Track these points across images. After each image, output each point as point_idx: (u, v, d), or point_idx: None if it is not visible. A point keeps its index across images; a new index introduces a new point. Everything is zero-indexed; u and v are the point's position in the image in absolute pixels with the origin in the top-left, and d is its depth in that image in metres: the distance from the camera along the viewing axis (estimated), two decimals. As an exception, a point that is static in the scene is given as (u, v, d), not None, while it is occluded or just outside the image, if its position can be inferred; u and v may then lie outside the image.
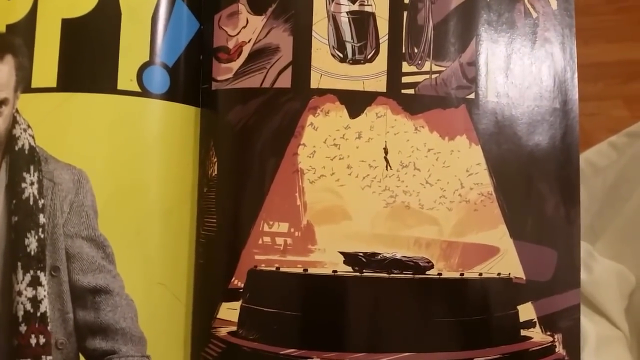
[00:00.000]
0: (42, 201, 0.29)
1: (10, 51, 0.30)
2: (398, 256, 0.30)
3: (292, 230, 0.30)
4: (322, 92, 0.30)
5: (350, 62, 0.31)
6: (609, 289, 0.42)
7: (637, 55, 1.08)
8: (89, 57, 0.30)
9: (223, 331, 0.30)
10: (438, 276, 0.30)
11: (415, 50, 0.31)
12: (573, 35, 0.33)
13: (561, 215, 0.31)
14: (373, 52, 0.31)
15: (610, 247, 0.45)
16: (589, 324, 0.39)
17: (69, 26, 0.30)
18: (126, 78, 0.30)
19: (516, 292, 0.31)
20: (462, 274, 0.30)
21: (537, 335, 0.31)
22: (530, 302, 0.31)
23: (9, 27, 0.30)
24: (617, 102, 1.05)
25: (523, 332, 0.31)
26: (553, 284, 0.31)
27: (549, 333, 0.31)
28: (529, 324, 0.31)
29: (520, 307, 0.31)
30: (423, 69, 0.31)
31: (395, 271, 0.30)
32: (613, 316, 0.41)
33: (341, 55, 0.31)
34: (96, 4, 0.30)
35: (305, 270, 0.29)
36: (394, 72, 0.30)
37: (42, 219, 0.29)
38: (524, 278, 0.31)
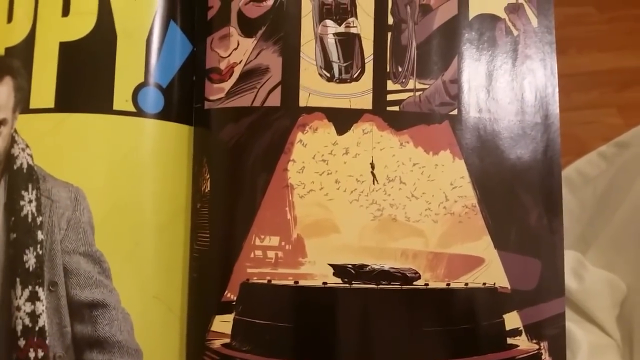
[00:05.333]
0: (40, 218, 0.29)
1: (9, 73, 0.31)
2: (386, 267, 0.31)
3: (283, 243, 0.30)
4: (310, 110, 0.31)
5: (337, 81, 0.32)
6: (601, 297, 0.42)
7: (630, 63, 1.09)
8: (85, 79, 0.30)
9: (217, 343, 0.30)
10: (425, 286, 0.31)
11: (400, 69, 0.32)
12: (553, 52, 0.34)
13: (544, 226, 0.32)
14: (359, 71, 0.32)
15: (601, 256, 0.45)
16: (581, 332, 0.40)
17: (66, 49, 0.30)
18: (122, 99, 0.30)
19: (501, 301, 0.31)
20: (448, 284, 0.31)
21: (523, 343, 0.32)
22: (515, 311, 0.31)
23: (8, 49, 0.31)
24: (611, 110, 1.06)
25: (509, 340, 0.31)
26: (538, 293, 0.32)
27: (534, 341, 0.32)
28: (515, 332, 0.31)
29: (505, 316, 0.31)
30: (407, 87, 0.32)
31: (383, 282, 0.31)
32: (605, 324, 0.42)
33: (328, 74, 0.32)
34: (92, 28, 0.31)
35: (296, 282, 0.30)
36: (379, 90, 0.32)
37: (40, 235, 0.29)
38: (509, 287, 0.31)
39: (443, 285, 0.31)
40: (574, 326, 0.40)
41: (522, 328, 0.31)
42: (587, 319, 0.42)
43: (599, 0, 1.13)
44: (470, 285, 0.31)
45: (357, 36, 0.32)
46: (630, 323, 0.42)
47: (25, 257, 0.29)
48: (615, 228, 0.46)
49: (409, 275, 0.31)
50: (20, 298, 0.29)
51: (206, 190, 0.31)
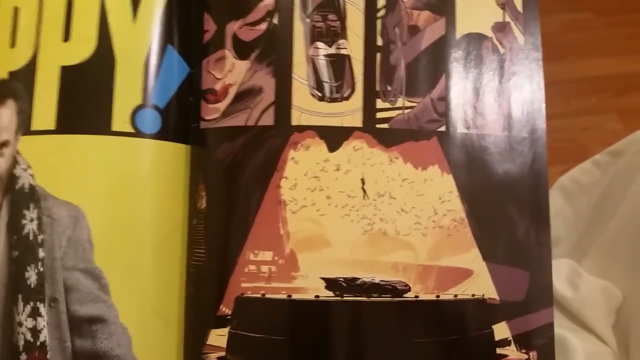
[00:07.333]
0: (42, 236, 0.30)
1: (12, 96, 0.32)
2: (377, 280, 0.31)
3: (276, 258, 0.31)
4: (302, 128, 0.32)
5: (329, 100, 0.32)
6: (596, 305, 0.43)
7: (628, 68, 1.09)
8: (85, 101, 0.31)
9: (213, 357, 0.31)
10: (415, 299, 0.31)
11: (389, 88, 0.33)
12: (540, 68, 0.35)
13: (532, 238, 0.33)
14: (349, 90, 0.33)
15: (597, 264, 0.46)
16: (577, 340, 0.40)
17: (67, 73, 0.31)
18: (120, 120, 0.31)
19: (490, 312, 0.32)
20: (438, 296, 0.32)
21: (512, 353, 0.32)
22: (504, 322, 0.32)
23: (11, 73, 0.32)
24: (611, 116, 1.06)
25: (499, 351, 0.32)
26: (526, 304, 0.32)
27: (524, 351, 0.32)
28: (504, 343, 0.32)
29: (495, 327, 0.32)
30: (396, 105, 0.33)
31: (374, 295, 0.31)
32: (601, 332, 0.42)
33: (320, 94, 0.33)
34: (92, 52, 0.32)
35: (289, 296, 0.31)
36: (369, 109, 0.32)
37: (41, 253, 0.30)
38: (498, 298, 0.32)
39: (433, 297, 0.31)
40: (570, 334, 0.40)
41: (511, 338, 0.32)
42: (583, 327, 0.42)
43: (597, 6, 1.14)
44: (459, 296, 0.32)
45: (348, 57, 0.33)
46: (627, 330, 0.42)
47: (26, 274, 0.30)
48: (610, 236, 0.46)
49: (399, 287, 0.31)
50: (22, 314, 0.29)
51: (202, 207, 0.32)
